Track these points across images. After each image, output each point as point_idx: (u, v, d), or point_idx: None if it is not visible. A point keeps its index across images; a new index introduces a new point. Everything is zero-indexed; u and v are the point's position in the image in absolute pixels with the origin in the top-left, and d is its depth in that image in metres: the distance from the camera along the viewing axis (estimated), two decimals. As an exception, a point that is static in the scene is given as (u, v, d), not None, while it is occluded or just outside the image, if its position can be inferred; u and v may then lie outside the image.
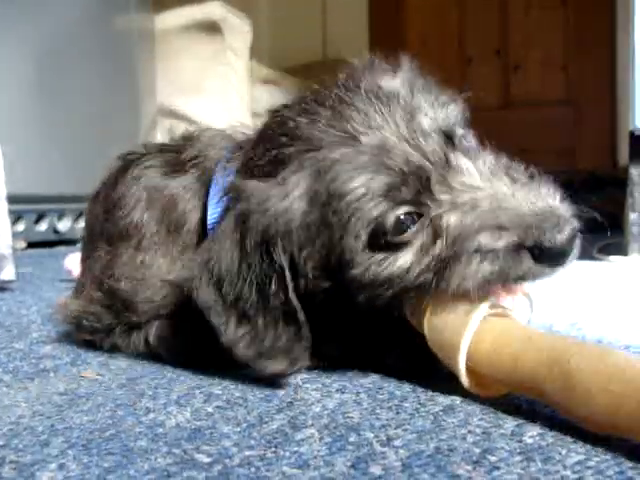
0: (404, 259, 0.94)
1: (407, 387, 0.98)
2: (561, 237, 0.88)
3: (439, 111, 0.99)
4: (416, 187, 0.92)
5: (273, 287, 0.97)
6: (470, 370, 0.91)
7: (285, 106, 1.07)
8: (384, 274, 0.94)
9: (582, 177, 4.85)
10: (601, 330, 1.35)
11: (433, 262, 0.92)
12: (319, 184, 0.94)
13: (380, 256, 0.94)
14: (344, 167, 0.93)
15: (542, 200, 0.91)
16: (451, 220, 0.92)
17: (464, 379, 0.91)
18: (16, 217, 3.50)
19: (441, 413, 0.87)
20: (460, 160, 0.95)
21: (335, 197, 0.93)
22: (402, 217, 0.92)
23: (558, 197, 0.94)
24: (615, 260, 2.61)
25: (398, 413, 0.87)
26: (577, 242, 0.91)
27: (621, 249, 2.76)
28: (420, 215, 0.93)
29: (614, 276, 2.26)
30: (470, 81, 5.46)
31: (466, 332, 0.90)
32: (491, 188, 0.92)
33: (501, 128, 5.25)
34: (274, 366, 0.97)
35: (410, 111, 0.97)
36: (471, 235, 0.90)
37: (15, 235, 3.21)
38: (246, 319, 0.98)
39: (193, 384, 1.02)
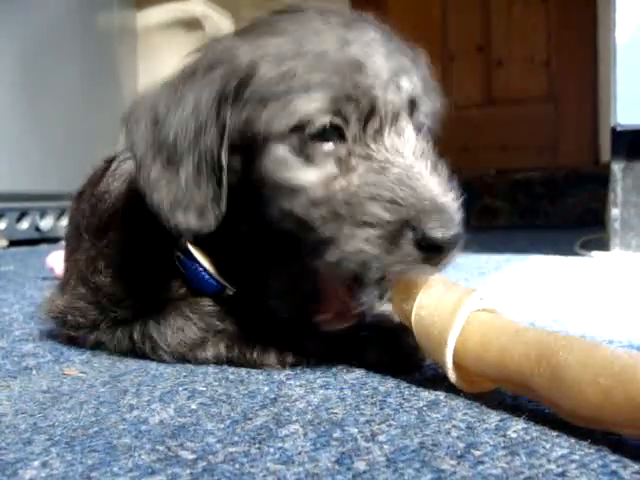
0: (312, 174, 0.96)
1: (391, 382, 0.98)
2: (447, 233, 0.90)
3: (423, 83, 1.03)
4: (359, 113, 0.95)
5: (209, 139, 0.99)
6: (457, 365, 0.91)
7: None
8: (288, 179, 0.96)
9: (564, 173, 4.88)
10: (584, 325, 1.35)
11: (331, 205, 0.94)
12: (289, 52, 0.97)
13: (291, 156, 0.96)
14: (310, 59, 0.96)
15: (444, 197, 0.93)
16: (359, 170, 0.94)
17: (451, 374, 0.91)
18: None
19: (425, 408, 0.87)
20: (407, 126, 0.98)
21: (288, 74, 0.95)
22: (330, 125, 0.95)
23: (458, 206, 0.96)
24: (597, 255, 2.63)
25: (382, 408, 0.87)
26: (458, 248, 0.93)
27: (603, 244, 2.77)
28: (344, 138, 0.96)
29: (596, 271, 2.27)
30: (452, 78, 5.47)
31: (453, 327, 0.91)
32: (409, 162, 0.95)
33: (483, 125, 5.28)
34: (185, 219, 0.99)
35: (403, 62, 1.01)
36: (365, 201, 0.92)
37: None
38: (172, 166, 1.00)
39: (177, 381, 1.02)
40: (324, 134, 0.95)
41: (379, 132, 0.96)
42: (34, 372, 1.10)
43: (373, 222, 0.91)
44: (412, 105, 1.00)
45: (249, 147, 0.98)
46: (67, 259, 1.33)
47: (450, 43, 5.54)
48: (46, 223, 3.83)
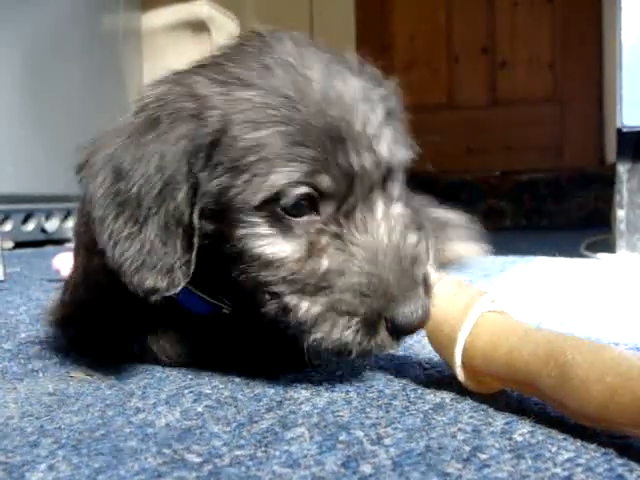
0: (286, 248, 0.95)
1: (396, 385, 0.98)
2: (416, 318, 0.92)
3: (398, 146, 1.01)
4: (334, 189, 0.94)
5: (179, 198, 0.94)
6: (466, 364, 0.91)
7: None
8: (262, 252, 0.95)
9: (569, 175, 4.88)
10: (590, 327, 1.35)
11: (303, 285, 0.94)
12: (264, 115, 0.93)
13: (265, 229, 0.94)
14: (287, 125, 0.93)
15: (412, 267, 0.94)
16: (329, 250, 0.94)
17: (459, 373, 0.92)
18: (3, 217, 3.51)
19: (431, 411, 0.87)
20: (379, 200, 0.98)
21: (263, 142, 0.92)
22: (303, 196, 0.93)
23: (430, 259, 0.99)
24: (603, 257, 2.62)
25: (388, 411, 0.87)
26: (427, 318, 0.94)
27: (609, 246, 2.77)
28: (316, 211, 0.95)
29: (602, 273, 2.27)
30: (457, 79, 5.47)
31: (463, 326, 0.91)
32: (377, 241, 0.95)
33: (488, 126, 5.28)
34: (153, 282, 0.95)
35: (374, 116, 0.98)
36: (340, 291, 0.92)
37: (2, 235, 3.20)
38: (136, 224, 0.95)
39: (182, 384, 1.02)
40: (298, 207, 0.94)
41: (351, 211, 0.95)
42: (40, 375, 1.10)
43: (350, 311, 0.92)
44: (388, 173, 0.99)
45: (222, 214, 0.95)
46: (73, 263, 1.31)
47: (455, 44, 5.54)
48: (52, 225, 3.83)
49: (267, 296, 0.96)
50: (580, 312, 1.54)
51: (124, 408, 0.92)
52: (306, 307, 0.93)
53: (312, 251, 0.94)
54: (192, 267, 0.96)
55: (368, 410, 0.88)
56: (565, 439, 0.76)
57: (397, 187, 1.02)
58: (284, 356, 1.06)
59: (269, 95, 0.94)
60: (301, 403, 0.92)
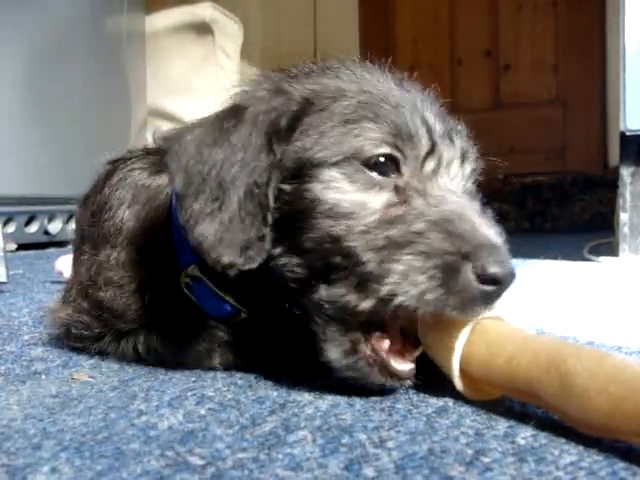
0: (367, 199, 0.95)
1: (399, 389, 0.98)
2: (506, 268, 0.88)
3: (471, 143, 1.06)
4: (417, 152, 0.96)
5: (258, 176, 0.96)
6: (464, 373, 0.91)
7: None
8: (341, 202, 0.94)
9: (572, 178, 4.87)
10: (592, 332, 1.35)
11: (384, 232, 0.92)
12: (348, 90, 0.99)
13: (345, 182, 0.95)
14: (370, 97, 0.98)
15: (498, 238, 0.92)
16: (416, 202, 0.94)
17: (457, 381, 0.91)
18: (6, 219, 3.51)
19: (434, 415, 0.87)
20: (459, 172, 1.01)
21: (348, 108, 0.97)
22: (384, 157, 0.95)
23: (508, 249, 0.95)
24: (606, 261, 2.62)
25: (391, 415, 0.87)
26: (508, 288, 0.91)
27: (612, 249, 2.77)
28: (399, 172, 0.96)
29: (605, 277, 2.27)
30: (460, 82, 5.47)
31: (460, 334, 0.91)
32: (463, 201, 0.96)
33: (491, 128, 5.27)
34: (230, 257, 0.96)
35: (452, 123, 1.04)
36: (423, 230, 0.90)
37: (5, 237, 3.20)
38: (216, 202, 0.97)
39: (185, 386, 1.02)
40: (380, 165, 0.95)
41: (435, 172, 0.97)
42: (43, 377, 1.10)
43: (431, 252, 0.88)
44: (463, 157, 1.02)
45: (300, 174, 0.96)
46: (72, 266, 1.32)
47: (458, 47, 5.55)
48: (55, 227, 3.84)
49: (336, 259, 0.93)
50: (583, 316, 1.53)
51: (127, 410, 0.92)
52: (379, 260, 0.90)
53: (394, 202, 0.94)
54: (268, 243, 0.97)
55: (371, 413, 0.88)
56: (568, 443, 0.76)
57: (472, 171, 1.05)
58: (300, 362, 1.05)
59: (351, 82, 1.01)
60: (304, 406, 0.91)
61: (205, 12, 4.61)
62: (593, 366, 0.76)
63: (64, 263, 2.05)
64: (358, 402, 0.93)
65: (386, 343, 0.96)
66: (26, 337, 1.41)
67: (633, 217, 2.63)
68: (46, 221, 3.81)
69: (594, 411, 0.74)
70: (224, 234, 0.96)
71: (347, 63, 1.07)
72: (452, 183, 0.99)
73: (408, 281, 0.88)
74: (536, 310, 1.60)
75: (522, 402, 0.89)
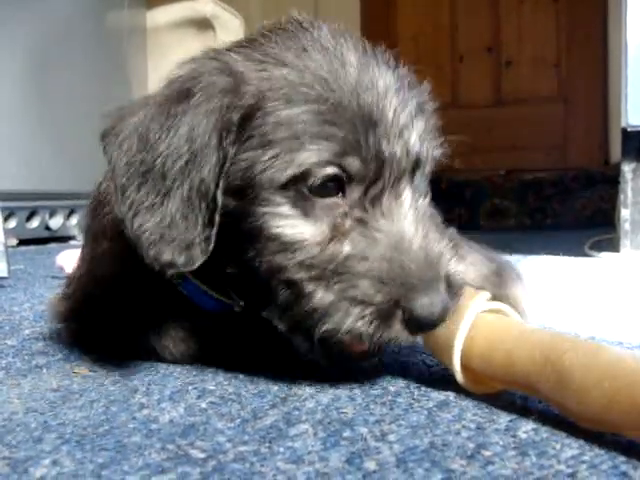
0: (308, 231, 0.93)
1: (401, 382, 0.98)
2: (435, 311, 0.89)
3: (428, 140, 1.01)
4: (363, 173, 0.93)
5: (206, 171, 0.92)
6: (465, 367, 0.91)
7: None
8: (283, 232, 0.92)
9: (573, 174, 4.87)
10: (593, 327, 1.35)
11: (322, 270, 0.92)
12: (299, 93, 0.93)
13: (289, 209, 0.92)
14: (321, 105, 0.92)
15: (430, 269, 0.91)
16: (352, 235, 0.92)
17: (459, 376, 0.91)
18: (8, 214, 3.51)
19: (435, 408, 0.87)
20: (406, 189, 0.97)
21: (296, 119, 0.91)
22: (331, 177, 0.92)
23: (450, 259, 0.95)
24: (607, 256, 2.62)
25: (392, 409, 0.87)
26: (446, 317, 0.91)
27: (613, 245, 2.77)
28: (343, 194, 0.94)
29: (606, 272, 2.26)
30: (461, 78, 5.46)
31: (460, 328, 0.91)
32: (402, 230, 0.93)
33: (492, 125, 5.27)
34: (170, 256, 0.93)
35: (406, 108, 0.98)
36: (357, 277, 0.90)
37: (6, 232, 3.21)
38: (158, 195, 0.93)
39: (186, 380, 1.02)
40: (325, 188, 0.93)
41: (378, 196, 0.94)
42: (44, 370, 1.10)
43: (365, 300, 0.89)
44: (416, 165, 0.99)
45: (246, 190, 0.93)
46: (77, 260, 1.31)
47: (459, 44, 5.53)
48: (56, 222, 3.84)
49: (281, 285, 0.94)
50: (584, 311, 1.53)
51: (128, 404, 0.92)
52: (321, 295, 0.91)
53: (334, 235, 0.92)
54: (211, 245, 0.93)
55: (372, 407, 0.88)
56: (569, 436, 0.76)
57: (425, 181, 1.02)
58: (290, 355, 1.04)
59: (304, 74, 0.94)
60: (305, 400, 0.91)
61: (206, 7, 4.61)
62: (588, 361, 0.76)
63: (65, 258, 2.05)
64: (359, 396, 0.93)
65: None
66: (27, 331, 1.41)
67: (634, 213, 2.63)
68: (47, 216, 3.81)
69: (590, 406, 0.74)
70: (165, 230, 0.93)
71: (308, 33, 1.01)
72: (396, 204, 0.95)
73: (347, 327, 0.90)
74: (537, 306, 1.60)
75: (523, 396, 0.89)
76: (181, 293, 1.08)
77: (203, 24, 4.61)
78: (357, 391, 0.95)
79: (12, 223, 3.57)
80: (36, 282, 2.24)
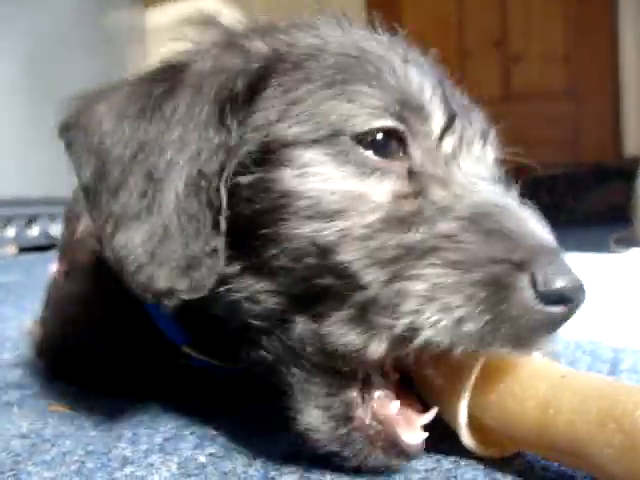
0: (365, 188, 0.68)
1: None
2: (575, 282, 0.64)
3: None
4: (428, 127, 0.72)
5: (204, 162, 0.69)
6: (474, 423, 0.68)
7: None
8: (324, 193, 0.67)
9: (587, 169, 4.79)
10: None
11: (395, 237, 0.65)
12: (331, 45, 0.74)
13: (329, 165, 0.68)
14: (362, 55, 0.73)
15: (553, 240, 0.68)
16: (435, 194, 0.68)
17: (465, 434, 0.68)
18: (6, 221, 3.47)
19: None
20: (483, 152, 0.77)
21: (332, 66, 0.71)
22: (386, 133, 0.70)
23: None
24: (634, 252, 2.55)
25: None
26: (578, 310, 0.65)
27: (633, 241, 2.72)
28: (406, 152, 0.71)
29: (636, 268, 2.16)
30: (470, 73, 5.36)
31: (469, 370, 0.68)
32: (498, 192, 0.71)
33: (502, 121, 5.16)
34: (168, 281, 0.68)
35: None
36: (456, 230, 0.64)
37: (5, 240, 3.13)
38: (144, 198, 0.69)
39: (181, 422, 0.84)
40: (380, 144, 0.69)
41: (455, 154, 0.72)
42: (15, 409, 0.94)
43: (467, 261, 0.62)
44: (484, 138, 0.78)
45: (265, 159, 0.69)
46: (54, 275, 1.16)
47: (467, 39, 5.50)
48: (56, 228, 3.77)
49: (325, 280, 0.66)
50: (621, 314, 1.41)
51: (108, 458, 0.74)
52: (388, 279, 0.64)
53: (402, 196, 0.68)
54: (222, 260, 0.69)
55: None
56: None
57: (494, 151, 0.81)
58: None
59: (336, 36, 0.76)
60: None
61: (207, 6, 4.57)
62: None
63: (57, 268, 1.93)
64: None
65: (394, 407, 0.69)
66: (6, 356, 1.27)
67: (653, 207, 2.56)
68: (47, 223, 3.76)
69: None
70: (157, 248, 0.68)
71: (325, 18, 0.83)
72: (478, 168, 0.74)
73: (436, 306, 0.62)
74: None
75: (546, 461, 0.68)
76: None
77: (203, 23, 4.54)
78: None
79: (11, 231, 3.53)
80: (28, 295, 2.09)
